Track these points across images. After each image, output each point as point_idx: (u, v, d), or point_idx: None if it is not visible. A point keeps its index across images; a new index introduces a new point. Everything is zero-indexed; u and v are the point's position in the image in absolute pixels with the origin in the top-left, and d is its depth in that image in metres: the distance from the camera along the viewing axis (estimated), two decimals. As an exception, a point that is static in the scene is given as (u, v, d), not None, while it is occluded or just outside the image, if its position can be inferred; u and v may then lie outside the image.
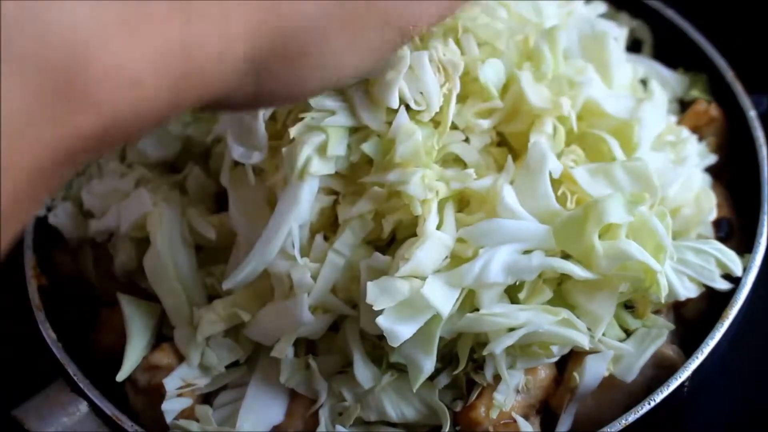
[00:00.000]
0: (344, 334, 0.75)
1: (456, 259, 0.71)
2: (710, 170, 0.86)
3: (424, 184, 0.70)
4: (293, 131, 0.70)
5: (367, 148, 0.71)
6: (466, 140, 0.75)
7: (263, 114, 0.73)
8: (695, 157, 0.82)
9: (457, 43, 0.75)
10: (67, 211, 0.87)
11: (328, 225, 0.75)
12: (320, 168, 0.70)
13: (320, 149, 0.70)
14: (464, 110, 0.74)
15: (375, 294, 0.68)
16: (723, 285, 0.77)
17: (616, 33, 0.86)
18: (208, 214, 0.80)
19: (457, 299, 0.70)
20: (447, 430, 0.73)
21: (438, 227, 0.71)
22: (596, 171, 0.74)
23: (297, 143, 0.70)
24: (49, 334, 0.80)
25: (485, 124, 0.74)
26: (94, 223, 0.84)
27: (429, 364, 0.70)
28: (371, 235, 0.74)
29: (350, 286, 0.73)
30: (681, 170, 0.78)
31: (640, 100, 0.80)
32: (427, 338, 0.69)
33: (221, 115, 0.76)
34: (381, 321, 0.68)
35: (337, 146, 0.71)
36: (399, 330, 0.68)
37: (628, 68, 0.85)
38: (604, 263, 0.69)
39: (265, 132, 0.73)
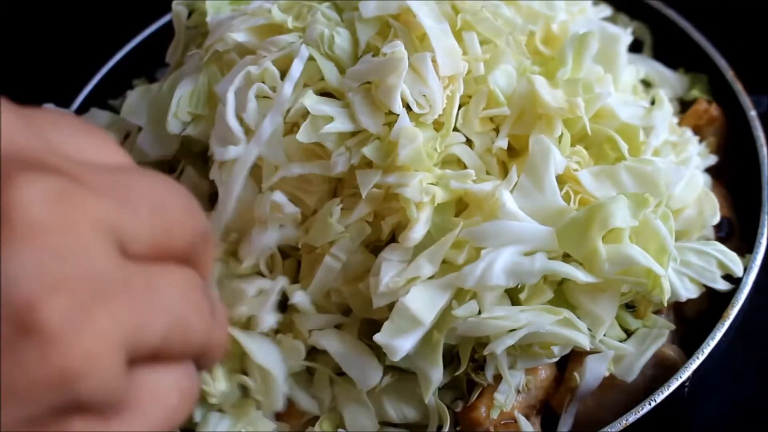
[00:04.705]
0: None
1: (447, 266, 0.70)
2: (710, 170, 0.86)
3: (422, 188, 0.70)
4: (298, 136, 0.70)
5: (368, 151, 0.71)
6: (467, 141, 0.75)
7: (233, 107, 0.72)
8: (697, 157, 0.82)
9: (460, 41, 0.74)
10: (66, 212, 0.86)
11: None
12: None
13: None
14: (469, 114, 0.74)
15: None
16: (724, 286, 0.76)
17: (625, 36, 0.86)
18: (201, 214, 0.80)
19: (454, 301, 0.69)
20: (447, 430, 0.73)
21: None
22: (600, 173, 0.74)
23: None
24: (49, 335, 0.79)
25: (499, 136, 0.74)
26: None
27: (437, 374, 0.70)
28: (371, 237, 0.73)
29: (346, 288, 0.73)
30: (684, 171, 0.77)
31: (650, 109, 0.80)
32: (430, 349, 0.69)
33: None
34: (378, 337, 0.68)
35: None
36: (397, 344, 0.68)
37: (631, 69, 0.85)
38: (607, 267, 0.69)
39: (239, 126, 0.73)
